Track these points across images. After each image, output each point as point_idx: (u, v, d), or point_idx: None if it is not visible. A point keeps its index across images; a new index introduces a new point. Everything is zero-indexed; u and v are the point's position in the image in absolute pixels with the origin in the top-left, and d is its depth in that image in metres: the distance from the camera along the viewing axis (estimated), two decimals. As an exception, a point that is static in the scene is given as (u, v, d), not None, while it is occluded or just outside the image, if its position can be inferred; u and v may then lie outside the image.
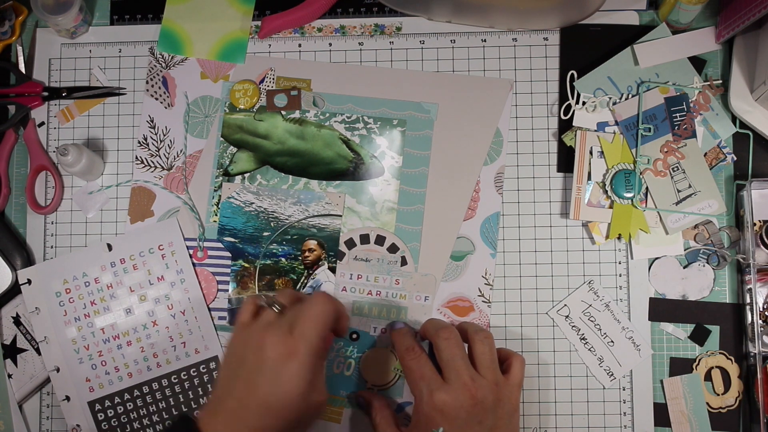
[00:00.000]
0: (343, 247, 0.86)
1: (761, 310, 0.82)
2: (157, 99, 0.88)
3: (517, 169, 0.86)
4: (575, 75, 0.86)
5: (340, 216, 0.86)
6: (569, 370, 0.84)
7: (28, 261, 0.87)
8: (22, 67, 0.89)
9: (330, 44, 0.89)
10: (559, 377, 0.84)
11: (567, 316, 0.84)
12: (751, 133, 0.85)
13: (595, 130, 0.85)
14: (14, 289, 0.86)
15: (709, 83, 0.85)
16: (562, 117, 0.86)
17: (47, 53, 0.90)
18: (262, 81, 0.88)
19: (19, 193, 0.89)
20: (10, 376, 0.85)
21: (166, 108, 0.88)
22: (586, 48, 0.87)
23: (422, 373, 0.74)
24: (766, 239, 0.82)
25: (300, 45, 0.89)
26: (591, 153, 0.84)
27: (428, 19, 0.88)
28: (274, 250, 0.86)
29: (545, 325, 0.84)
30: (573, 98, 0.85)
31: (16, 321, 0.86)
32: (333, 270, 0.85)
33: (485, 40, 0.88)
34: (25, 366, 0.85)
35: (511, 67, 0.87)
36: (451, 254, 0.85)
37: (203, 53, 0.89)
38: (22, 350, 0.86)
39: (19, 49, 0.90)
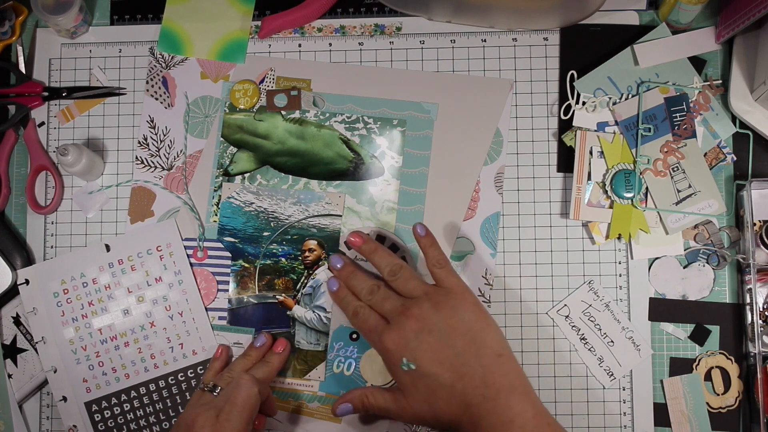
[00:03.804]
0: (343, 247, 0.86)
1: (761, 310, 0.82)
2: (157, 99, 0.88)
3: (517, 169, 0.86)
4: (575, 75, 0.86)
5: (340, 216, 0.86)
6: (569, 370, 0.84)
7: (28, 261, 0.87)
8: (22, 67, 0.89)
9: (330, 44, 0.89)
10: (559, 377, 0.84)
11: (567, 316, 0.84)
12: (751, 133, 0.84)
13: (595, 130, 0.85)
14: (14, 289, 0.86)
15: (709, 83, 0.85)
16: (562, 117, 0.86)
17: (47, 53, 0.90)
18: (262, 81, 0.88)
19: (19, 193, 0.89)
20: (10, 376, 0.85)
21: (166, 108, 0.88)
22: (586, 48, 0.87)
23: (368, 325, 0.78)
24: (766, 239, 0.82)
25: (300, 45, 0.89)
26: (591, 153, 0.84)
27: (428, 19, 0.88)
28: (274, 250, 0.85)
29: (545, 325, 0.84)
30: (573, 98, 0.85)
31: (16, 321, 0.86)
32: None
33: (485, 40, 0.88)
34: (25, 366, 0.85)
35: (511, 67, 0.87)
36: (452, 254, 0.85)
37: (203, 53, 0.89)
38: (22, 350, 0.86)
39: (19, 49, 0.90)
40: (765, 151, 0.85)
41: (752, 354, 0.81)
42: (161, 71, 0.88)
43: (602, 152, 0.84)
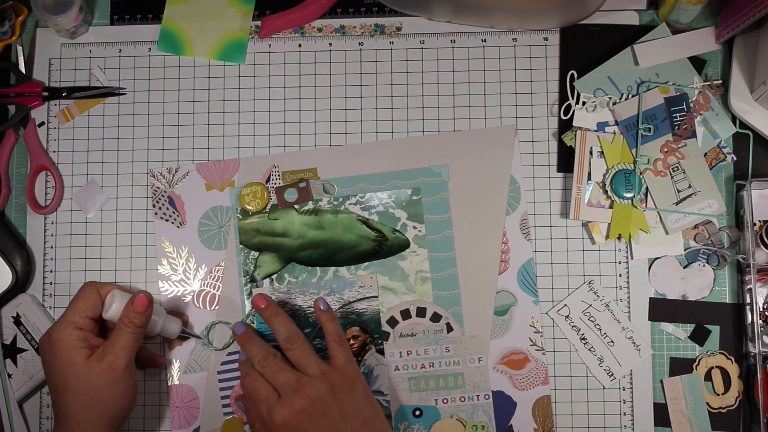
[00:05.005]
0: (386, 327, 0.84)
1: (761, 310, 0.82)
2: (167, 221, 0.87)
3: (521, 169, 0.86)
4: (575, 75, 0.86)
5: (377, 297, 0.85)
6: (569, 370, 0.84)
7: (28, 261, 0.87)
8: (22, 67, 0.89)
9: (330, 44, 0.89)
10: (559, 377, 0.84)
11: (567, 316, 0.84)
12: (751, 133, 0.85)
13: (595, 130, 0.85)
14: (14, 289, 0.86)
15: (709, 83, 0.85)
16: (562, 117, 0.86)
17: (47, 53, 0.90)
18: (268, 180, 0.86)
19: (19, 193, 0.89)
20: (10, 376, 0.85)
21: (178, 227, 0.86)
22: (586, 48, 0.87)
23: (259, 394, 0.76)
24: (766, 239, 0.82)
25: (300, 45, 0.89)
26: (591, 153, 0.84)
27: (428, 19, 0.88)
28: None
29: (545, 325, 0.84)
30: (573, 98, 0.85)
31: (16, 321, 0.86)
32: (381, 352, 0.84)
33: (485, 40, 0.88)
34: (25, 366, 0.85)
35: (511, 67, 0.87)
36: (494, 310, 0.84)
37: (203, 53, 0.89)
38: (22, 350, 0.86)
39: (19, 49, 0.90)
40: (765, 151, 0.85)
41: (752, 354, 0.81)
42: (165, 191, 0.87)
43: (602, 152, 0.84)
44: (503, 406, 0.83)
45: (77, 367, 0.75)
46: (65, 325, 0.77)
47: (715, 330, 0.84)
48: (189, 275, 0.86)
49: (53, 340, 0.76)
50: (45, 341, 0.77)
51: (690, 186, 0.83)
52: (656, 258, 0.84)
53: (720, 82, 0.85)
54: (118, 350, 0.76)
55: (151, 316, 0.78)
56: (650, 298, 0.84)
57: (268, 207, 0.86)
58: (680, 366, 0.84)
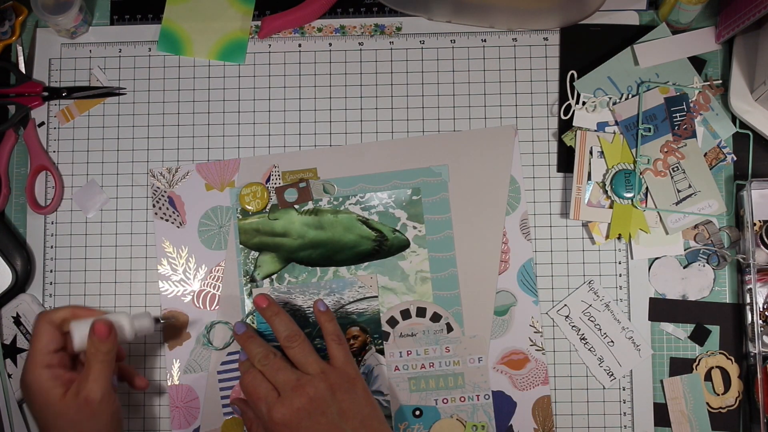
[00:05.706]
0: (386, 327, 0.84)
1: (761, 310, 0.82)
2: (167, 221, 0.86)
3: (521, 169, 0.86)
4: (575, 75, 0.86)
5: (376, 297, 0.85)
6: (569, 370, 0.84)
7: (28, 261, 0.87)
8: (22, 67, 0.89)
9: (330, 44, 0.89)
10: (559, 377, 0.84)
11: (567, 316, 0.84)
12: (751, 133, 0.85)
13: (595, 130, 0.85)
14: (14, 289, 0.86)
15: (709, 83, 0.85)
16: (562, 117, 0.86)
17: (47, 53, 0.90)
18: (268, 180, 0.86)
19: (19, 193, 0.89)
20: (10, 376, 0.85)
21: (178, 227, 0.86)
22: (586, 48, 0.87)
23: (258, 392, 0.76)
24: (766, 239, 0.82)
25: (300, 45, 0.89)
26: (591, 153, 0.84)
27: (428, 19, 0.88)
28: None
29: (545, 325, 0.84)
30: (573, 98, 0.85)
31: (16, 321, 0.86)
32: (381, 352, 0.84)
33: (485, 40, 0.88)
34: (25, 366, 0.85)
35: (511, 67, 0.87)
36: (494, 310, 0.84)
37: (203, 53, 0.89)
38: (22, 350, 0.86)
39: (19, 49, 0.90)
40: (765, 151, 0.85)
41: (752, 354, 0.81)
42: (165, 191, 0.87)
43: (602, 152, 0.84)
44: (503, 406, 0.83)
45: (54, 407, 0.74)
46: (32, 368, 0.75)
47: (715, 330, 0.84)
48: (189, 275, 0.86)
49: (26, 385, 0.75)
50: (22, 385, 0.76)
51: (690, 186, 0.83)
52: (656, 258, 0.84)
53: (720, 82, 0.85)
54: (92, 383, 0.74)
55: (116, 338, 0.76)
56: (650, 298, 0.84)
57: (268, 207, 0.86)
58: (680, 366, 0.84)
